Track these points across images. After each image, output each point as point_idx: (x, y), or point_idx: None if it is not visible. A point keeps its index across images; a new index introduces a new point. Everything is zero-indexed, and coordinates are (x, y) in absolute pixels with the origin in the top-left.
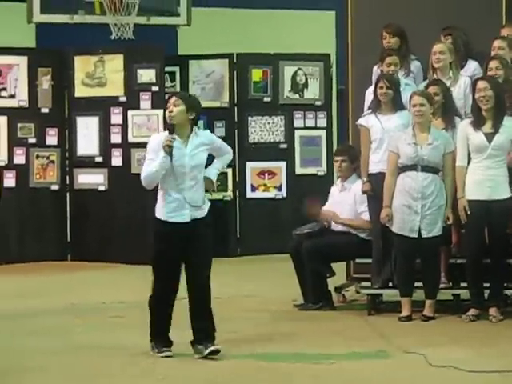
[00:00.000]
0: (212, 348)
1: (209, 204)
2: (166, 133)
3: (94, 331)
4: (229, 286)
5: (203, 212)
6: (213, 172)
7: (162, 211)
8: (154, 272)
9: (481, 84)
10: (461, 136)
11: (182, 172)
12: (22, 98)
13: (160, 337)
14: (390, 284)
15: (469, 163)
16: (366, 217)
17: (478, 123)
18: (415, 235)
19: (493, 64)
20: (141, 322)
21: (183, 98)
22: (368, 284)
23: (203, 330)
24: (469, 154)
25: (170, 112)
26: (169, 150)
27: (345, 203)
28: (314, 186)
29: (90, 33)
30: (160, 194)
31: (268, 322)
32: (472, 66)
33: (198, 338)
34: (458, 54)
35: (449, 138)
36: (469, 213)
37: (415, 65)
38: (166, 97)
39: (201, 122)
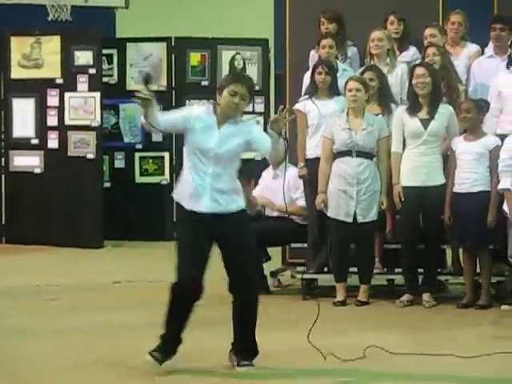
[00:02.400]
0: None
1: (241, 203)
2: (207, 107)
3: (28, 314)
4: (164, 270)
5: (231, 207)
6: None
7: (181, 193)
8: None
9: (419, 70)
10: (396, 122)
11: (206, 155)
12: None
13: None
14: (325, 269)
15: (404, 150)
16: (301, 203)
17: (413, 109)
18: (350, 220)
19: (430, 50)
20: (76, 304)
21: (251, 90)
22: (303, 269)
23: (243, 349)
24: (404, 141)
25: (234, 104)
26: (142, 101)
27: (278, 190)
28: (251, 171)
29: (26, 13)
30: (184, 171)
31: (202, 306)
32: (411, 51)
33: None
34: (406, 41)
35: (383, 123)
36: (403, 199)
37: (352, 50)
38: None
39: (138, 105)
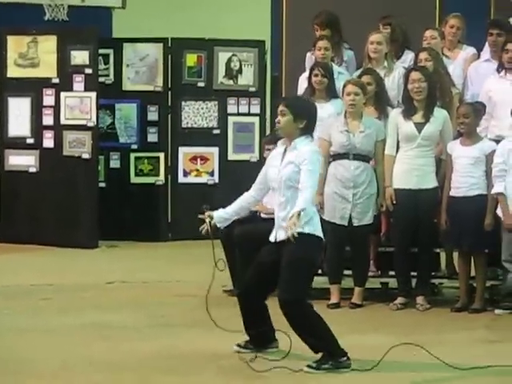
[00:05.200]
0: None
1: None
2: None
3: (22, 314)
4: (158, 271)
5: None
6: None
7: None
8: None
9: (414, 75)
10: (391, 125)
11: (274, 187)
12: None
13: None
14: (320, 271)
15: (397, 152)
16: None
17: (408, 113)
18: (345, 223)
19: (422, 55)
20: (69, 304)
21: (290, 106)
22: None
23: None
24: (398, 144)
25: (278, 123)
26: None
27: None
28: (246, 172)
29: (23, 13)
30: None
31: (196, 306)
32: (409, 57)
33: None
34: (396, 44)
35: (381, 125)
36: (395, 202)
37: (348, 54)
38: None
39: (134, 105)
